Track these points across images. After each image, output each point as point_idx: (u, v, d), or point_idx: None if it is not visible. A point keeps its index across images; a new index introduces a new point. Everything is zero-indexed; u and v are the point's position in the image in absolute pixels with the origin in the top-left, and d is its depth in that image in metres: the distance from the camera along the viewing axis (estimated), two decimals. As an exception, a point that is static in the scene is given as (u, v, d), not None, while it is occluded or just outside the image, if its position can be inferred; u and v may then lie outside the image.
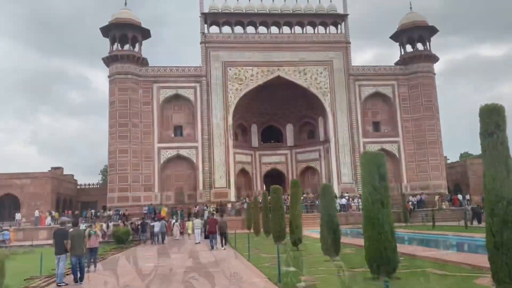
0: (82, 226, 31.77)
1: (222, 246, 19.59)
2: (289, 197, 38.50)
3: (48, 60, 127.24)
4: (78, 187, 56.52)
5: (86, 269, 11.32)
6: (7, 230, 29.38)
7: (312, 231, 27.63)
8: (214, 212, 33.44)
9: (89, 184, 57.23)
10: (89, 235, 12.42)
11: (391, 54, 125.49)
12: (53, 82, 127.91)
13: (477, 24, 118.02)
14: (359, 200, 39.43)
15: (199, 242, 22.88)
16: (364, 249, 8.28)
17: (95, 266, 12.71)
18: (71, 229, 11.17)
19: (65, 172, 57.43)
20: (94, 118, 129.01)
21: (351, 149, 44.53)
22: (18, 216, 35.82)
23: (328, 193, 11.52)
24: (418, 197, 39.94)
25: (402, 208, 35.17)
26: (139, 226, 29.53)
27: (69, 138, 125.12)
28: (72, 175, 57.66)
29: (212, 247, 19.13)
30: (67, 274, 10.83)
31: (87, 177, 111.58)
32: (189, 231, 29.78)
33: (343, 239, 13.01)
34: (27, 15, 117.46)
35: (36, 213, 36.12)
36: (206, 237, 20.99)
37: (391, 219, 8.18)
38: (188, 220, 33.32)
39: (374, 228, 8.00)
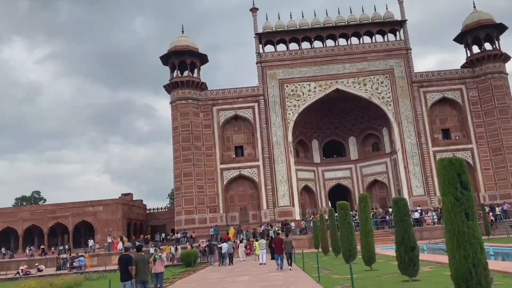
0: (152, 251, 32.64)
1: (289, 266, 18.92)
2: (357, 213, 37.07)
3: (116, 93, 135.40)
4: (147, 211, 58.26)
5: None
6: (83, 256, 30.62)
7: (384, 248, 26.12)
8: (279, 232, 32.74)
9: (157, 209, 58.85)
10: (154, 259, 12.25)
11: (455, 59, 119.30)
12: (122, 113, 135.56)
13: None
14: (433, 213, 37.01)
15: (265, 263, 22.42)
16: (450, 267, 7.30)
17: None
18: (136, 255, 11.11)
19: (134, 198, 59.60)
20: (160, 144, 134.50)
21: (420, 159, 42.18)
22: (91, 242, 37.42)
23: (402, 207, 10.56)
24: (501, 207, 36.63)
25: (482, 219, 32.30)
26: (206, 248, 29.54)
27: (138, 165, 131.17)
28: (141, 200, 59.62)
29: (280, 267, 18.67)
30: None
31: (155, 201, 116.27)
32: (257, 252, 29.11)
33: (421, 256, 11.90)
34: (95, 53, 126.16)
35: (109, 238, 37.51)
36: (272, 257, 20.53)
37: (479, 233, 7.17)
38: (255, 240, 32.87)
39: (459, 243, 7.03)
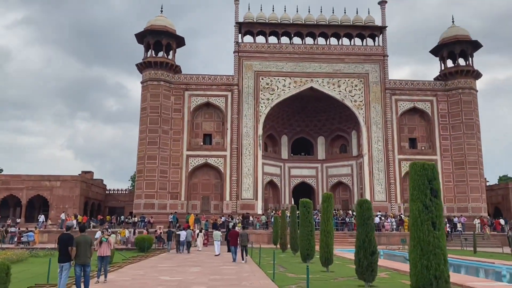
0: (98, 234, 31.45)
1: (243, 259, 19.04)
2: (319, 213, 37.09)
3: (88, 68, 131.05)
4: (106, 192, 56.60)
5: (96, 279, 10.30)
6: (32, 231, 29.23)
7: (342, 250, 26.13)
8: (240, 224, 32.35)
9: (117, 190, 57.26)
10: (100, 242, 11.44)
11: (428, 72, 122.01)
12: (92, 89, 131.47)
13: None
14: (393, 219, 37.49)
15: (219, 254, 22.54)
16: (410, 276, 6.97)
17: (105, 277, 11.48)
18: (78, 235, 10.34)
19: (95, 177, 57.82)
20: (129, 125, 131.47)
21: (386, 166, 42.66)
22: (42, 218, 35.84)
23: (366, 210, 10.25)
24: (457, 219, 37.51)
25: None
26: (162, 235, 28.81)
27: (104, 144, 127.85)
28: (102, 180, 57.85)
29: (234, 260, 18.86)
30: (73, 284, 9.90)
31: (118, 183, 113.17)
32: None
33: (378, 262, 11.72)
34: (69, 23, 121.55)
35: (62, 216, 36.07)
36: (229, 249, 20.43)
37: (444, 243, 6.87)
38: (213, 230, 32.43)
39: (423, 252, 6.71)
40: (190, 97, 42.59)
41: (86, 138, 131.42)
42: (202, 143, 42.86)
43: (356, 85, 43.89)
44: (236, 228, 29.23)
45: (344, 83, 43.74)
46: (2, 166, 79.23)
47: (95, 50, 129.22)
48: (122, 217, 42.51)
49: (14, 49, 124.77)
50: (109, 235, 11.88)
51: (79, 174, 51.95)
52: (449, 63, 45.95)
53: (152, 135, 40.71)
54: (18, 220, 40.62)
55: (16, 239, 29.67)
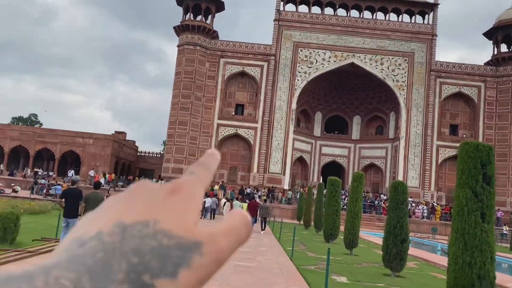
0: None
1: (262, 230, 19.56)
2: (347, 193, 36.02)
3: (131, 31, 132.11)
4: (138, 154, 57.21)
5: None
6: (60, 185, 29.67)
7: (367, 233, 25.14)
8: (264, 197, 31.82)
9: (149, 152, 57.80)
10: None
11: (477, 59, 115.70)
12: (133, 53, 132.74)
13: None
14: (424, 207, 35.99)
15: None
16: (447, 273, 6.00)
17: None
18: (89, 192, 9.84)
19: (128, 138, 58.51)
20: (167, 91, 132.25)
21: (423, 151, 40.75)
22: (71, 173, 36.39)
23: (401, 193, 9.23)
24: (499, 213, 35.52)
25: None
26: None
27: (141, 108, 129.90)
28: (134, 141, 58.47)
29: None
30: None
31: (153, 147, 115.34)
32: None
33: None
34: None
35: (91, 172, 36.52)
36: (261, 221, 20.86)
37: (493, 239, 5.82)
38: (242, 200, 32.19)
39: (466, 247, 5.69)
40: (225, 64, 41.67)
41: (125, 101, 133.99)
42: (233, 113, 42.14)
43: (399, 64, 41.68)
44: (258, 200, 28.67)
45: (387, 61, 41.61)
46: (43, 121, 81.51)
47: (139, 13, 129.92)
48: (154, 180, 42.82)
49: (61, 8, 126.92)
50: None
51: (112, 134, 52.62)
52: (503, 48, 42.85)
53: (184, 101, 40.29)
54: (51, 173, 41.58)
55: (45, 191, 30.23)
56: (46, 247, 8.91)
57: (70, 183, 10.04)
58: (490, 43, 43.92)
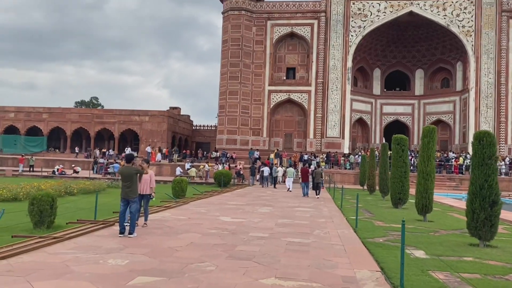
0: (187, 166, 31.48)
1: (317, 195, 19.79)
2: (413, 154, 33.47)
3: (180, 7, 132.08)
4: (193, 128, 57.44)
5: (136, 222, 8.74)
6: (118, 163, 29.91)
7: (438, 194, 22.93)
8: (323, 163, 30.39)
9: (203, 126, 57.81)
10: (139, 175, 8.67)
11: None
12: (184, 29, 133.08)
13: None
14: (501, 163, 32.67)
15: (290, 190, 22.95)
16: None
17: (145, 219, 9.50)
18: (123, 166, 8.95)
19: (187, 115, 58.80)
20: (219, 64, 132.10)
21: (496, 102, 36.88)
22: (128, 150, 36.87)
23: (488, 146, 7.41)
24: None
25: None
26: (240, 170, 28.05)
27: (196, 83, 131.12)
28: (188, 116, 58.65)
29: (304, 194, 20.17)
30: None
31: (209, 121, 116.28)
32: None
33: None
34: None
35: (148, 149, 36.72)
36: (314, 187, 20.58)
37: None
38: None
39: None
40: (272, 27, 39.69)
41: (180, 78, 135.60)
42: (285, 78, 40.37)
43: (465, 8, 37.47)
44: (312, 167, 27.52)
45: (450, 5, 37.54)
46: (103, 103, 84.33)
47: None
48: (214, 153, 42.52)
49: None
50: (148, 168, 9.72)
51: (167, 110, 52.94)
52: None
53: (233, 69, 39.07)
54: (111, 152, 42.50)
55: (103, 170, 30.70)
56: (77, 231, 8.13)
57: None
58: None
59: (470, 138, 37.08)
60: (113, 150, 45.61)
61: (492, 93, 37.05)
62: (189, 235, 8.35)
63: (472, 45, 37.35)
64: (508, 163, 32.17)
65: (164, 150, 38.14)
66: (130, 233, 8.16)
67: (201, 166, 30.41)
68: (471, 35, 37.42)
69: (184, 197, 16.34)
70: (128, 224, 8.33)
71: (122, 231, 8.13)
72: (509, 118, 36.86)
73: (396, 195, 14.80)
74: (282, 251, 6.86)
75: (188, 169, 29.78)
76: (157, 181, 27.60)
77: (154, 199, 10.57)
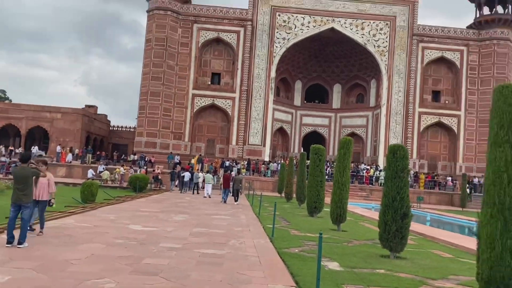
0: (100, 168, 29.74)
1: (236, 201, 20.05)
2: (329, 164, 34.80)
3: (104, 2, 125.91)
4: (111, 128, 54.75)
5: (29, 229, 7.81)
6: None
7: (351, 204, 23.94)
8: (244, 170, 30.48)
9: (121, 127, 55.30)
10: (35, 177, 7.76)
11: (460, 25, 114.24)
12: (107, 25, 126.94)
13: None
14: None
15: (209, 197, 22.93)
16: (480, 262, 4.51)
17: (41, 227, 8.48)
18: (17, 167, 8.03)
19: (100, 112, 55.86)
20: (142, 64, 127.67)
21: (404, 119, 39.71)
22: (34, 149, 34.04)
23: (401, 158, 7.71)
24: (477, 180, 35.05)
25: (461, 190, 30.43)
26: (158, 175, 27.19)
27: (118, 83, 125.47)
28: (106, 115, 55.82)
29: (224, 201, 20.24)
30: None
31: (130, 123, 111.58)
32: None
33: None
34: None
35: (58, 148, 34.17)
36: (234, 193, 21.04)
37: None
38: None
39: (507, 227, 4.18)
40: (199, 31, 39.21)
41: (100, 76, 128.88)
42: (209, 83, 40.01)
43: (381, 29, 40.01)
44: (233, 173, 27.62)
45: (368, 25, 39.86)
46: (14, 98, 77.21)
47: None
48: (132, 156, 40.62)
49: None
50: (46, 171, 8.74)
51: (82, 108, 49.89)
52: (486, 11, 41.53)
53: (156, 70, 37.90)
54: (17, 150, 38.90)
55: (5, 169, 27.97)
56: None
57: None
58: (472, 8, 42.49)
59: (381, 151, 39.73)
60: (20, 148, 41.89)
61: (401, 110, 39.82)
62: (91, 246, 7.61)
63: (386, 64, 39.93)
64: (413, 176, 34.59)
65: (77, 151, 35.77)
66: (19, 243, 7.21)
67: (116, 169, 28.89)
68: (385, 55, 39.99)
69: (94, 202, 15.26)
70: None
71: (10, 241, 7.19)
72: (415, 134, 39.84)
73: (312, 203, 15.11)
74: (194, 264, 6.48)
75: (101, 171, 28.13)
76: (66, 184, 25.82)
77: (54, 205, 9.61)
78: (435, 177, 37.12)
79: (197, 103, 39.17)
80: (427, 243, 10.71)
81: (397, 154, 7.79)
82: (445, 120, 40.46)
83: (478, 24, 40.71)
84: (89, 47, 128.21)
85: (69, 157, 32.71)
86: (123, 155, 41.22)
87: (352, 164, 39.38)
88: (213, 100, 39.25)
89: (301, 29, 39.50)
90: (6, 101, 71.82)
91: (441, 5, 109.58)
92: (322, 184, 14.94)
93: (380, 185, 34.34)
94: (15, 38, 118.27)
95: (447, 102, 41.15)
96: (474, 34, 40.75)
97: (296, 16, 39.51)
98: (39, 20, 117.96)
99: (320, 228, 11.28)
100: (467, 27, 41.80)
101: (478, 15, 41.36)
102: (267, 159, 38.45)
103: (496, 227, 4.29)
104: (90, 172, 27.44)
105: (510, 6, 40.59)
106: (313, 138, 44.02)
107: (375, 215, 18.06)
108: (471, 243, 10.73)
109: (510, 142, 4.30)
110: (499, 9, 40.94)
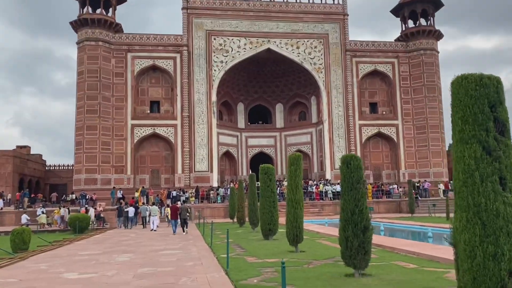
0: (39, 211, 27.36)
1: (184, 231, 20.06)
2: (279, 183, 34.44)
3: (33, 39, 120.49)
4: (47, 168, 51.45)
5: None
6: None
7: (304, 221, 23.56)
8: (192, 198, 29.42)
9: (58, 166, 52.15)
10: None
11: (390, 36, 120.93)
12: (38, 63, 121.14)
13: (469, 16, 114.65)
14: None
15: (155, 230, 22.31)
16: (459, 273, 4.04)
17: None
18: None
19: (34, 152, 52.45)
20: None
21: (346, 132, 40.51)
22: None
23: (356, 169, 7.29)
24: (422, 185, 36.12)
25: (408, 196, 31.06)
26: (101, 213, 25.47)
27: (54, 121, 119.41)
28: (40, 155, 52.50)
29: (174, 232, 20.01)
30: None
31: (69, 161, 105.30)
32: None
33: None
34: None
35: (-15, 195, 31.22)
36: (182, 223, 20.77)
37: (517, 214, 3.91)
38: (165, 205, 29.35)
39: (487, 232, 3.75)
40: (133, 59, 38.05)
41: (34, 115, 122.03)
42: (149, 111, 38.72)
43: (315, 47, 40.94)
44: (178, 202, 26.78)
45: (303, 44, 40.66)
46: None
47: (40, 21, 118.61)
48: (66, 196, 38.02)
49: None
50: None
51: (12, 149, 46.50)
52: (411, 24, 43.89)
53: (91, 102, 36.13)
54: None
55: None
56: None
57: None
58: (397, 22, 44.79)
59: (327, 166, 40.11)
60: None
61: (342, 124, 40.62)
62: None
63: (323, 80, 40.76)
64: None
65: (9, 195, 32.87)
66: None
67: (55, 211, 26.72)
68: (322, 72, 40.86)
69: (27, 250, 13.63)
70: None
71: None
72: (358, 146, 40.66)
73: (266, 226, 14.46)
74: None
75: (39, 215, 25.89)
76: (-4, 233, 23.34)
77: None
78: (381, 186, 37.89)
79: (137, 133, 37.67)
80: (387, 254, 10.36)
81: (350, 165, 7.37)
82: (384, 130, 41.72)
83: (405, 37, 42.82)
84: (20, 86, 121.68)
85: (0, 203, 29.92)
86: (63, 196, 38.60)
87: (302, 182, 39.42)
88: (154, 129, 37.94)
89: (238, 52, 39.51)
90: None
91: (369, 23, 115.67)
92: (275, 204, 14.36)
93: (330, 200, 34.45)
94: None
95: (384, 112, 42.56)
96: (403, 46, 42.79)
97: (232, 39, 39.52)
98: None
99: (277, 251, 10.63)
100: (395, 40, 43.86)
101: (404, 28, 43.55)
102: (215, 184, 37.49)
103: (474, 232, 3.85)
104: (25, 217, 25.12)
105: (431, 18, 43.13)
106: (260, 159, 43.68)
107: (331, 231, 17.72)
108: (431, 249, 10.53)
109: (478, 137, 3.91)
110: (422, 21, 43.41)
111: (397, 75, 42.34)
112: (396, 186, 37.26)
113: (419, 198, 33.71)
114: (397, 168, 41.58)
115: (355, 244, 7.13)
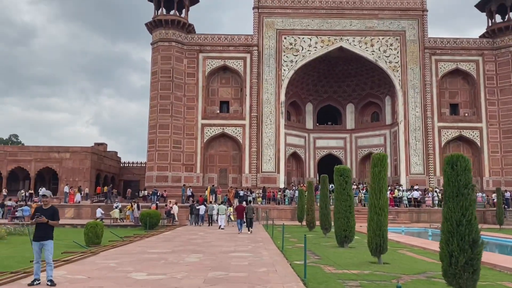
0: (116, 205, 28.35)
1: (249, 231, 20.50)
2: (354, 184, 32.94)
3: (112, 43, 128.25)
4: (121, 165, 53.76)
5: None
6: (29, 205, 26.16)
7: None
8: (259, 198, 29.12)
9: (132, 163, 54.27)
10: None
11: (473, 33, 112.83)
12: (116, 65, 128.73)
13: None
14: (434, 194, 33.10)
15: (223, 228, 22.84)
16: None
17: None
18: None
19: (110, 149, 55.05)
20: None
21: (424, 135, 37.94)
22: (42, 191, 32.73)
23: (463, 172, 6.09)
24: (508, 194, 32.86)
25: (497, 206, 28.20)
26: (171, 209, 25.83)
27: (129, 121, 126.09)
28: (116, 152, 54.93)
29: (239, 231, 20.57)
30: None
31: (142, 159, 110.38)
32: (232, 217, 26.55)
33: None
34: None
35: (66, 188, 32.98)
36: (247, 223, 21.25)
37: None
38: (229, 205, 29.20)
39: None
40: (204, 60, 38.43)
41: (112, 115, 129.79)
42: (218, 111, 38.92)
43: (391, 44, 38.85)
44: (244, 202, 26.82)
45: (377, 42, 38.75)
46: (25, 141, 77.15)
47: (118, 25, 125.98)
48: (140, 192, 39.30)
49: (39, 25, 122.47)
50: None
51: (91, 146, 49.10)
52: (498, 19, 40.28)
53: (163, 102, 37.00)
54: (27, 193, 37.77)
55: (11, 214, 26.71)
56: None
57: (41, 201, 7.90)
58: (477, 20, 41.34)
59: (402, 170, 37.79)
60: (29, 190, 40.77)
61: (420, 126, 38.12)
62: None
63: (399, 80, 38.54)
64: (440, 194, 32.57)
65: (87, 190, 34.49)
66: None
67: (128, 207, 27.47)
68: (397, 71, 38.67)
69: (99, 244, 13.75)
70: None
71: None
72: (437, 150, 37.95)
73: (341, 232, 13.42)
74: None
75: (117, 207, 26.86)
76: (73, 225, 24.38)
77: None
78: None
79: (206, 133, 37.99)
80: (489, 272, 8.92)
81: (457, 166, 6.22)
82: (466, 133, 38.62)
83: (492, 33, 39.38)
84: (99, 87, 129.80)
85: (78, 197, 31.43)
86: (138, 191, 40.01)
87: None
88: (223, 128, 38.04)
89: (308, 51, 38.51)
90: (19, 145, 71.84)
91: (445, 21, 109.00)
92: (351, 209, 13.30)
93: (406, 206, 32.31)
94: (27, 84, 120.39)
95: (466, 114, 39.40)
96: (489, 43, 39.39)
97: (303, 38, 38.60)
98: (49, 65, 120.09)
99: (356, 261, 9.61)
100: (480, 37, 40.51)
101: (490, 24, 40.09)
102: (282, 186, 36.76)
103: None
104: (99, 211, 26.06)
105: (522, 12, 39.27)
106: (328, 161, 42.27)
107: (412, 240, 16.28)
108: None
109: None
110: None
111: (481, 74, 39.02)
112: (480, 194, 34.18)
113: (508, 208, 30.57)
114: (480, 175, 38.28)
115: (461, 261, 6.00)
